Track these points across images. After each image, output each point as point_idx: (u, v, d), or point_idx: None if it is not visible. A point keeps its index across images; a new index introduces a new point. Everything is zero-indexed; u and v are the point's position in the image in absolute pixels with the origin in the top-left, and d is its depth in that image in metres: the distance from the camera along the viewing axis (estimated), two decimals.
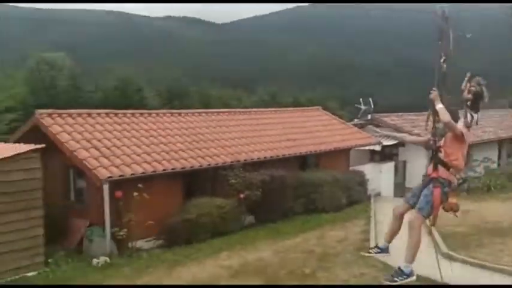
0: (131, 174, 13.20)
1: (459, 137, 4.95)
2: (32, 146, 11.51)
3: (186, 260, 12.10)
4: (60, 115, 14.50)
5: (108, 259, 12.16)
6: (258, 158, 16.95)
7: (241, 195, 15.35)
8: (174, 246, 13.41)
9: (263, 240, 13.93)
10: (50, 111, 14.60)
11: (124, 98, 27.48)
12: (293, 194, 17.30)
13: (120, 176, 12.93)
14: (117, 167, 13.21)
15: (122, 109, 17.29)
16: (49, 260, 11.59)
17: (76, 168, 13.85)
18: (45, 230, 11.54)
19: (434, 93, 4.91)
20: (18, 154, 11.11)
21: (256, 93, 43.07)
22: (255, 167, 16.54)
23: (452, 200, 5.01)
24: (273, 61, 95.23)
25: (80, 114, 15.12)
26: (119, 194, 12.86)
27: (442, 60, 5.03)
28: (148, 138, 15.51)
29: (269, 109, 24.16)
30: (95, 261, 12.00)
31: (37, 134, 13.79)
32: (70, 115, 14.78)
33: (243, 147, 17.32)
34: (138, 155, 14.24)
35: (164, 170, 14.01)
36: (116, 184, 12.84)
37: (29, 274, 11.05)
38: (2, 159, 10.80)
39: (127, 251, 12.81)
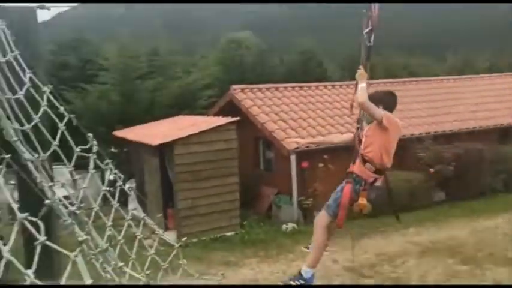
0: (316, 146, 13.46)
1: (381, 124, 3.88)
2: (229, 119, 12.58)
3: (372, 233, 11.93)
4: (251, 90, 15.50)
5: (295, 225, 12.74)
6: (450, 130, 15.63)
7: (431, 170, 14.40)
8: (357, 218, 13.31)
9: (456, 218, 12.92)
10: (242, 86, 15.70)
11: (305, 72, 28.05)
12: (492, 169, 15.55)
13: (306, 147, 13.29)
14: (303, 138, 13.59)
15: (303, 82, 17.67)
16: (244, 223, 12.65)
17: (265, 139, 14.70)
18: (239, 196, 12.62)
19: (360, 71, 4.04)
20: (219, 126, 12.28)
21: (447, 59, 39.50)
22: (447, 140, 15.29)
23: (362, 200, 3.96)
24: (463, 23, 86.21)
25: (268, 89, 15.92)
26: (305, 164, 13.28)
27: (366, 31, 4.14)
28: (332, 110, 15.58)
29: (462, 76, 21.98)
30: (283, 226, 12.71)
31: (231, 107, 15.00)
32: (260, 89, 15.68)
33: (433, 118, 16.15)
34: (323, 127, 14.42)
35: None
36: (302, 155, 13.25)
37: (228, 234, 12.26)
38: (206, 130, 12.08)
39: (313, 219, 13.20)
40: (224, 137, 12.30)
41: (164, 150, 12.58)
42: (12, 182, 7.89)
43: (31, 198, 5.97)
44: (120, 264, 6.32)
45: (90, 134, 7.68)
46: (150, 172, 13.85)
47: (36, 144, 6.39)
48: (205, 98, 22.23)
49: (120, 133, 16.65)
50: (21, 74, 6.74)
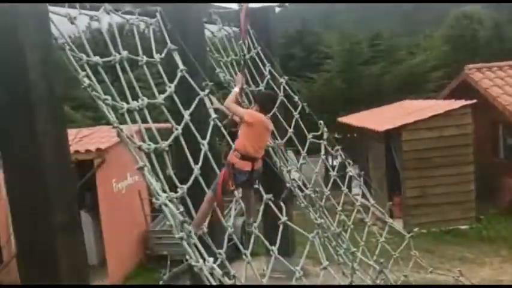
0: None
1: (244, 122, 4.61)
2: (463, 102, 11.48)
3: None
4: (489, 68, 13.80)
5: None
6: None
7: None
8: None
9: None
10: (479, 65, 14.12)
11: None
12: None
13: None
14: None
15: None
16: (481, 217, 11.45)
17: (506, 124, 12.94)
18: (475, 187, 11.44)
19: (237, 77, 5.03)
20: (452, 110, 11.34)
21: None
22: None
23: (229, 183, 4.57)
24: None
25: (511, 66, 13.94)
26: None
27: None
28: None
29: None
30: None
31: (464, 89, 13.65)
32: (500, 68, 13.84)
33: None
34: None
35: None
36: None
37: (462, 227, 11.27)
38: (437, 115, 11.30)
39: None
40: (457, 122, 11.29)
41: (390, 136, 12.26)
42: None
43: (271, 179, 6.50)
44: (353, 249, 6.42)
45: (321, 122, 7.93)
46: (374, 158, 13.71)
47: (275, 131, 6.90)
48: (433, 81, 20.86)
49: (344, 119, 16.92)
50: (262, 68, 7.36)
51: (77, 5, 4.58)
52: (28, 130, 3.84)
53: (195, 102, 5.16)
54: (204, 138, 4.98)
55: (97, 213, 9.68)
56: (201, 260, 3.82)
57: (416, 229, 7.71)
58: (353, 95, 20.17)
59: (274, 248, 4.96)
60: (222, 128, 5.39)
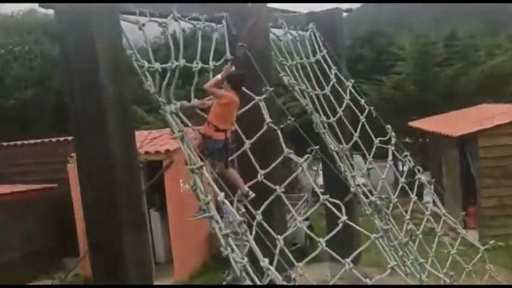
0: None
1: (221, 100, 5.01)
2: None
3: None
4: None
5: None
6: None
7: None
8: None
9: None
10: None
11: None
12: None
13: None
14: None
15: None
16: None
17: None
18: None
19: (226, 67, 5.34)
20: None
21: None
22: None
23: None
24: None
25: None
26: None
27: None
28: None
29: None
30: None
31: None
32: None
33: None
34: None
35: None
36: None
37: None
38: None
39: None
40: None
41: (466, 141, 11.63)
42: (314, 168, 8.53)
43: (335, 184, 6.36)
44: (421, 260, 6.14)
45: (389, 126, 7.68)
46: (448, 165, 13.06)
47: (340, 136, 6.80)
48: None
49: (416, 123, 16.27)
50: (328, 71, 7.26)
51: (147, 12, 4.78)
52: (99, 131, 4.05)
53: (249, 105, 5.29)
54: (258, 141, 5.09)
55: (165, 212, 10.03)
56: (245, 259, 3.86)
57: (492, 241, 7.23)
58: (425, 98, 19.34)
59: (322, 240, 4.79)
60: (279, 131, 5.43)
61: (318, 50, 7.54)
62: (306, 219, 11.40)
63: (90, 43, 3.92)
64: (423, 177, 7.85)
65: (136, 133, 11.66)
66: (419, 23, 24.98)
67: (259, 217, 4.67)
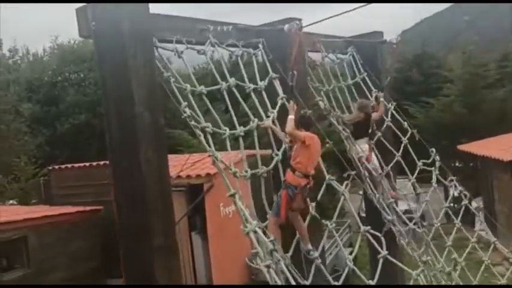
0: None
1: (303, 143, 4.91)
2: None
3: None
4: None
5: None
6: None
7: None
8: None
9: None
10: None
11: None
12: None
13: None
14: None
15: None
16: None
17: None
18: None
19: (289, 105, 5.20)
20: None
21: None
22: None
23: (298, 201, 4.89)
24: None
25: None
26: None
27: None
28: None
29: None
30: None
31: None
32: None
33: None
34: None
35: None
36: None
37: None
38: None
39: None
40: None
41: None
42: (360, 192, 8.20)
43: (376, 211, 6.18)
44: None
45: (433, 149, 7.44)
46: (499, 190, 12.43)
47: (380, 159, 6.60)
48: None
49: (465, 147, 15.65)
50: (368, 94, 7.16)
51: (184, 40, 4.92)
52: (133, 158, 4.15)
53: None
54: None
55: (206, 235, 10.08)
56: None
57: None
58: (475, 121, 18.60)
59: (371, 282, 4.69)
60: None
61: (357, 73, 7.47)
62: (350, 245, 11.13)
63: (125, 71, 4.06)
64: (474, 203, 7.54)
65: (178, 156, 12.04)
66: (472, 44, 24.09)
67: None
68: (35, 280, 9.49)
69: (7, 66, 22.60)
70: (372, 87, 7.45)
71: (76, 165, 12.85)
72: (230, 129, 4.82)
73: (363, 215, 16.22)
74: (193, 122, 4.38)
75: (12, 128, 17.28)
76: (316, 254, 5.07)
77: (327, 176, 5.32)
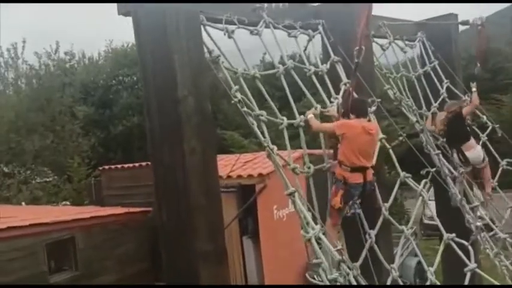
0: None
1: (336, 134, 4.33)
2: None
3: None
4: None
5: None
6: None
7: None
8: None
9: None
10: None
11: None
12: None
13: None
14: None
15: None
16: None
17: None
18: None
19: (308, 114, 4.40)
20: None
21: None
22: None
23: (336, 197, 4.18)
24: None
25: None
26: None
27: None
28: None
29: None
30: None
31: None
32: None
33: None
34: None
35: None
36: None
37: None
38: None
39: None
40: None
41: None
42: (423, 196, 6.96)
43: (452, 217, 5.31)
44: None
45: None
46: None
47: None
48: None
49: None
50: (438, 85, 6.29)
51: (235, 19, 4.35)
52: (176, 148, 3.59)
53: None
54: None
55: (258, 240, 9.46)
56: None
57: None
58: None
59: None
60: (391, 151, 4.75)
61: (427, 61, 6.66)
62: (416, 255, 10.21)
63: (167, 49, 3.52)
64: None
65: (229, 156, 11.50)
66: None
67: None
68: (83, 282, 9.21)
69: (64, 69, 23.06)
70: (443, 78, 6.63)
71: (126, 165, 12.60)
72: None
73: (427, 221, 15.18)
74: (245, 109, 3.78)
75: (67, 129, 17.48)
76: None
77: (401, 173, 4.57)
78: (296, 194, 3.52)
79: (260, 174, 8.88)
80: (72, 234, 9.32)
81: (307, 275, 9.26)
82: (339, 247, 3.66)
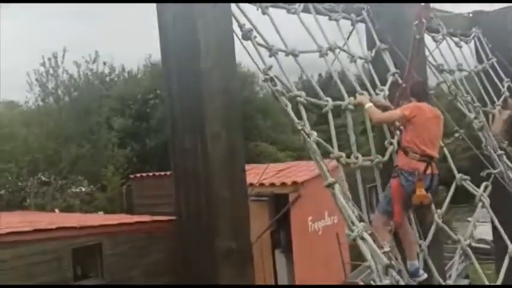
0: None
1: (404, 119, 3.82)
2: None
3: None
4: None
5: None
6: None
7: None
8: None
9: None
10: None
11: None
12: None
13: None
14: None
15: None
16: None
17: None
18: None
19: (359, 97, 3.90)
20: None
21: None
22: None
23: (420, 191, 3.57)
24: None
25: None
26: None
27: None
28: None
29: None
30: None
31: None
32: None
33: None
34: None
35: None
36: None
37: None
38: None
39: None
40: None
41: None
42: (470, 218, 6.27)
43: None
44: None
45: None
46: None
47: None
48: None
49: None
50: (499, 84, 5.60)
51: None
52: (197, 132, 3.12)
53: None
54: None
55: (291, 255, 8.85)
56: None
57: None
58: None
59: None
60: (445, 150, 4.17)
61: (485, 59, 6.03)
62: (466, 276, 9.41)
63: (191, 14, 3.07)
64: None
65: (263, 165, 10.98)
66: None
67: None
68: None
69: (104, 82, 23.33)
70: (504, 76, 5.97)
71: (157, 173, 12.33)
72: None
73: (476, 244, 14.09)
74: (278, 87, 3.28)
75: (103, 139, 17.50)
76: (425, 275, 3.76)
77: (458, 175, 3.94)
78: (336, 186, 2.96)
79: (294, 183, 8.32)
80: (99, 240, 9.03)
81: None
82: (386, 249, 3.05)
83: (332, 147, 3.41)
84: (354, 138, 3.69)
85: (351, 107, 3.70)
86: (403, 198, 3.62)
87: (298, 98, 3.31)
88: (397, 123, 4.02)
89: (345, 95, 3.77)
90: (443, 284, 3.84)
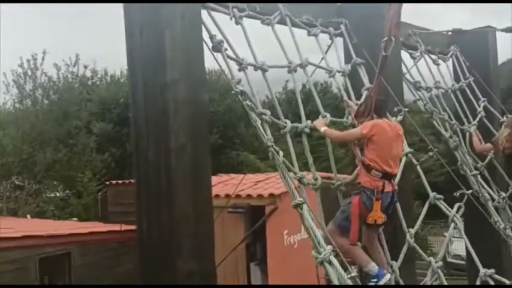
0: None
1: (364, 137, 3.77)
2: None
3: None
4: None
5: None
6: None
7: None
8: None
9: None
10: None
11: None
12: None
13: None
14: None
15: None
16: None
17: None
18: None
19: (316, 121, 3.96)
20: None
21: None
22: None
23: (377, 210, 3.58)
24: None
25: None
26: None
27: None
28: None
29: None
30: None
31: None
32: None
33: None
34: None
35: None
36: None
37: None
38: None
39: None
40: None
41: None
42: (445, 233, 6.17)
43: (492, 248, 4.52)
44: None
45: None
46: None
47: (491, 183, 4.95)
48: None
49: None
50: (475, 103, 5.58)
51: (245, 5, 3.80)
52: (161, 144, 2.99)
53: None
54: None
55: (266, 267, 8.70)
56: None
57: None
58: None
59: None
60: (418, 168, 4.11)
61: (462, 77, 6.03)
62: None
63: (158, 23, 2.95)
64: None
65: (240, 176, 10.83)
66: None
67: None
68: None
69: (85, 86, 22.90)
70: (480, 96, 5.97)
71: (133, 180, 12.07)
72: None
73: (451, 259, 14.13)
74: (247, 102, 3.17)
75: (80, 143, 17.14)
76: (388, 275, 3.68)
77: (431, 194, 3.88)
78: (304, 207, 2.86)
79: (271, 195, 8.20)
80: (68, 249, 8.75)
81: None
82: (353, 274, 2.93)
83: (293, 166, 3.36)
84: (311, 160, 3.66)
85: (307, 130, 3.66)
86: (361, 216, 3.58)
87: (264, 116, 3.24)
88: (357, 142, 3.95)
89: (303, 118, 3.76)
90: None
